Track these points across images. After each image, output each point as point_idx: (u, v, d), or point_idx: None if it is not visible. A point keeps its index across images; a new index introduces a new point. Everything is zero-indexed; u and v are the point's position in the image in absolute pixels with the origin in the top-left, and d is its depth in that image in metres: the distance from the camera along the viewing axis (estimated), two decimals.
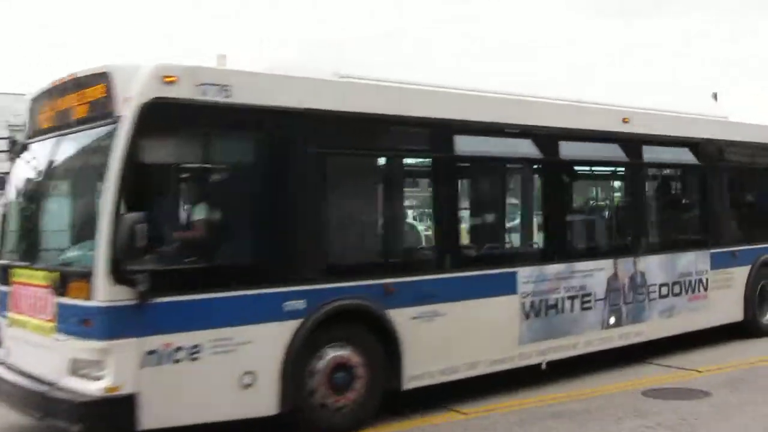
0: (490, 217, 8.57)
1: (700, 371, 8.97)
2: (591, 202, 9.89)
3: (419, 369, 7.12)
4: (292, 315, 6.34)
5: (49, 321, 6.04)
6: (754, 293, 10.77)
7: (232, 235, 6.21)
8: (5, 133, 24.46)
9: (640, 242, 9.37)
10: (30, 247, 6.76)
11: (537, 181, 8.77)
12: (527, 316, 8.02)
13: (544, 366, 8.21)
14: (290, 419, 6.37)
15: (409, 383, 7.07)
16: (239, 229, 6.26)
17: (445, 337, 7.30)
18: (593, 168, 9.69)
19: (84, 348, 5.69)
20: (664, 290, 9.51)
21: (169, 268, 5.80)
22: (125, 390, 5.60)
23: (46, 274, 6.13)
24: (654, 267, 9.37)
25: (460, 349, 7.45)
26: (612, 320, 8.88)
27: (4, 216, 7.20)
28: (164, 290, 5.70)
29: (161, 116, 5.74)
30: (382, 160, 7.54)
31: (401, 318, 6.96)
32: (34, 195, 6.81)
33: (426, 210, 7.66)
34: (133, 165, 5.60)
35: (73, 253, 6.23)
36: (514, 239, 8.76)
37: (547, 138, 8.35)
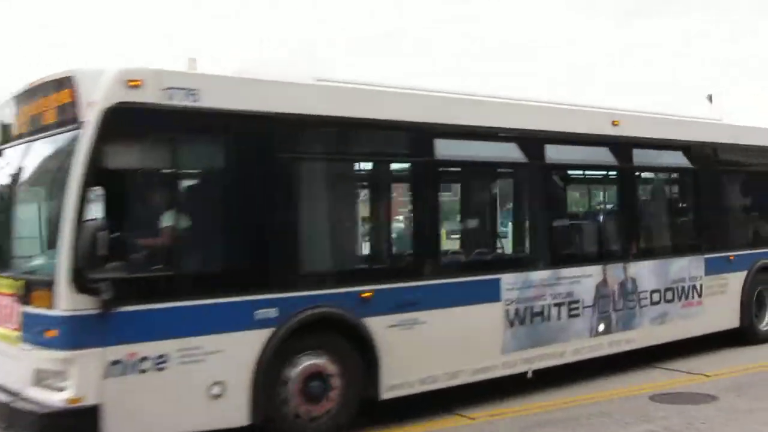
0: (472, 223, 8.43)
1: (707, 375, 8.89)
2: (579, 206, 9.70)
3: (398, 378, 6.97)
4: (263, 324, 6.21)
5: (15, 330, 5.94)
6: (750, 299, 10.56)
7: (199, 242, 6.10)
8: None
9: (631, 248, 9.18)
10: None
11: (522, 185, 8.62)
12: (511, 324, 7.85)
13: (530, 375, 8.05)
14: (263, 430, 6.24)
15: (387, 393, 6.93)
16: (207, 236, 6.15)
17: (425, 345, 7.15)
18: (581, 172, 9.52)
19: (47, 358, 5.58)
20: (656, 297, 9.32)
21: (134, 277, 5.69)
22: (88, 401, 5.49)
23: (12, 282, 6.04)
24: (645, 273, 9.19)
25: (440, 357, 7.30)
26: (601, 328, 8.70)
27: None
28: (129, 299, 5.60)
29: (126, 121, 5.63)
30: (357, 165, 7.42)
31: (378, 326, 6.82)
32: (3, 202, 6.71)
33: (404, 216, 7.47)
34: (96, 171, 5.50)
35: (38, 262, 6.15)
36: (498, 245, 8.59)
37: (532, 141, 8.19)
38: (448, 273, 7.46)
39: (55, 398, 5.50)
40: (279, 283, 6.31)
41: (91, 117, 5.55)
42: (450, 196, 8.33)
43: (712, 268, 9.98)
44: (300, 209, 6.52)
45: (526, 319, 7.98)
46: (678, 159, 9.90)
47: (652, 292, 9.27)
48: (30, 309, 5.77)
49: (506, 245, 8.64)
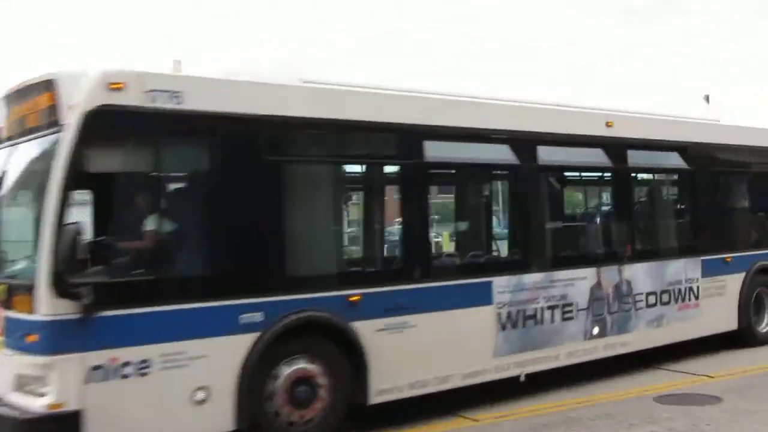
0: (463, 226, 8.35)
1: (711, 377, 8.85)
2: (573, 208, 9.63)
3: (387, 383, 6.90)
4: (248, 328, 6.15)
5: None
6: (749, 301, 10.46)
7: (183, 246, 6.04)
8: None
9: (626, 250, 9.09)
10: None
11: (514, 187, 8.54)
12: (503, 327, 7.77)
13: (522, 378, 7.97)
14: None
15: (376, 397, 6.85)
16: (190, 240, 6.08)
17: (414, 349, 7.08)
18: (574, 173, 9.43)
19: (28, 363, 5.54)
20: (652, 299, 9.23)
21: (115, 281, 5.64)
22: (69, 407, 5.43)
23: None
24: (641, 275, 9.10)
25: (431, 362, 7.22)
26: (596, 330, 8.62)
27: None
28: (110, 303, 5.54)
29: (107, 124, 5.58)
30: (345, 168, 7.34)
31: (367, 330, 6.75)
32: None
33: (393, 219, 7.39)
34: (77, 174, 5.45)
35: (20, 266, 6.09)
36: (490, 248, 8.49)
37: (524, 143, 8.10)
38: (438, 276, 7.37)
39: (37, 404, 5.45)
40: (264, 287, 6.24)
41: (72, 120, 5.49)
42: (441, 199, 8.25)
43: (709, 270, 9.88)
44: (285, 212, 6.44)
45: (519, 323, 7.90)
46: (674, 160, 9.80)
47: (648, 294, 9.18)
48: (11, 314, 5.74)
49: (498, 248, 8.55)
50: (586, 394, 8.15)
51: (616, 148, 9.01)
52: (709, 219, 10.13)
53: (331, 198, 6.95)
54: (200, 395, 5.93)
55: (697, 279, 9.75)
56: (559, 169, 8.82)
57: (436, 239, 7.92)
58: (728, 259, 10.18)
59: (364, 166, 7.49)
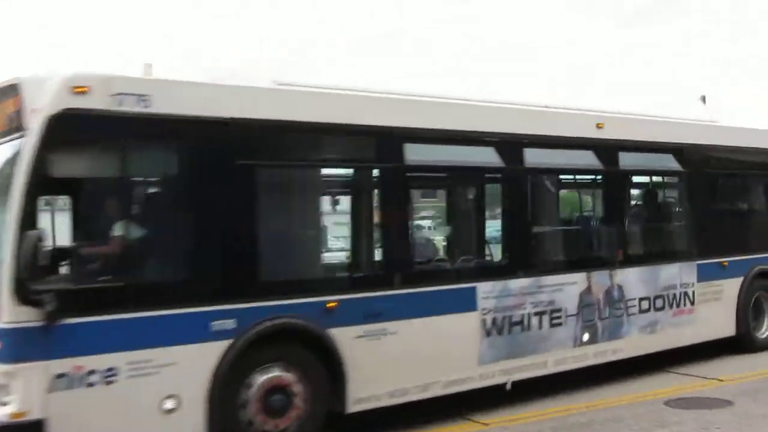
0: (446, 230, 8.20)
1: (721, 380, 8.76)
2: (561, 212, 9.42)
3: (366, 391, 6.77)
4: (220, 335, 6.03)
5: None
6: (747, 306, 10.24)
7: (150, 251, 5.94)
8: None
9: (617, 254, 8.90)
10: None
11: (500, 190, 8.36)
12: (488, 334, 7.62)
13: (508, 386, 7.81)
14: None
15: (354, 406, 6.72)
16: (158, 246, 5.99)
17: (394, 357, 6.94)
18: (563, 176, 9.22)
19: None
20: (645, 304, 9.04)
21: (80, 287, 5.54)
22: (33, 415, 5.33)
23: None
24: (633, 280, 8.91)
25: (412, 369, 7.08)
26: (586, 337, 8.44)
27: None
28: (75, 310, 5.45)
29: (71, 128, 5.49)
30: (320, 171, 7.19)
31: (344, 337, 6.62)
32: None
33: (372, 223, 7.23)
34: (40, 179, 5.36)
35: None
36: (474, 252, 8.32)
37: (509, 145, 7.95)
38: (419, 282, 7.23)
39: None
40: (237, 293, 6.13)
41: (35, 124, 5.41)
42: (423, 203, 8.10)
43: (704, 275, 9.67)
44: (258, 217, 6.32)
45: (505, 329, 7.74)
46: (667, 161, 9.61)
47: (641, 299, 8.99)
48: None
49: (483, 252, 8.38)
50: (595, 397, 8.11)
51: (607, 149, 8.83)
52: (704, 222, 9.92)
53: (306, 202, 6.82)
54: (169, 404, 5.83)
55: (693, 284, 9.55)
56: (546, 172, 8.64)
57: (418, 244, 7.74)
58: (725, 264, 9.97)
59: (340, 170, 7.37)
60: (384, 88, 7.29)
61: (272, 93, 6.62)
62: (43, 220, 5.39)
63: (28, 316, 5.29)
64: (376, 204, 7.22)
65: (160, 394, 5.79)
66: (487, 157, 7.86)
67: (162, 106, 5.84)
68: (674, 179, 10.03)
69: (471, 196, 8.66)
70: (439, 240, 8.03)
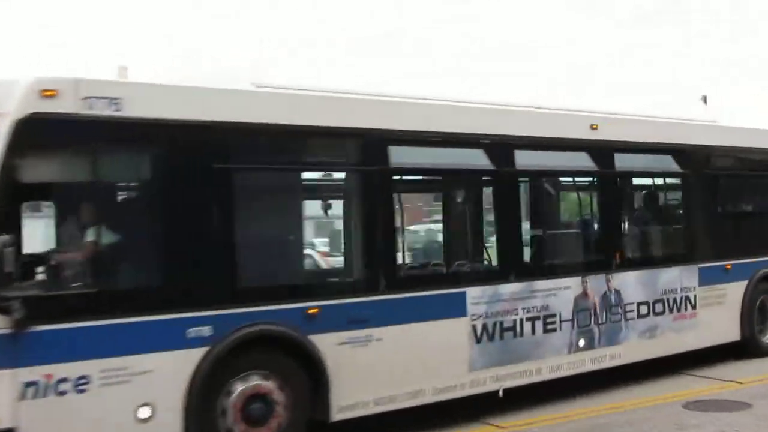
0: (434, 234, 8.04)
1: (740, 383, 8.69)
2: (555, 215, 9.22)
3: (350, 399, 6.63)
4: (196, 342, 5.92)
5: None
6: (751, 310, 9.99)
7: (123, 257, 5.83)
8: None
9: (614, 258, 8.70)
10: None
11: (489, 193, 8.20)
12: (479, 340, 7.44)
13: (501, 393, 7.62)
14: None
15: (338, 414, 6.58)
16: (131, 252, 5.88)
17: (380, 364, 6.79)
18: (555, 178, 9.02)
19: None
20: (644, 309, 8.84)
21: (49, 294, 5.46)
22: (2, 425, 5.23)
23: None
24: (631, 284, 8.71)
25: (398, 376, 6.92)
26: (582, 343, 8.24)
27: None
28: (45, 317, 5.34)
29: (40, 132, 5.41)
30: (300, 175, 7.04)
31: (327, 344, 6.48)
32: None
33: (355, 226, 7.07)
34: (7, 185, 5.28)
35: None
36: (463, 256, 8.12)
37: (499, 147, 7.79)
38: (406, 287, 7.07)
39: None
40: (213, 299, 6.01)
41: (2, 129, 5.33)
42: (409, 206, 7.94)
43: (706, 278, 9.45)
44: (234, 221, 6.19)
45: (496, 335, 7.57)
46: (667, 163, 9.41)
47: (639, 304, 8.79)
48: None
49: (473, 256, 8.20)
50: (612, 400, 8.07)
51: (602, 151, 8.65)
52: (706, 225, 9.71)
53: (286, 206, 6.69)
54: (145, 412, 5.71)
55: (694, 288, 9.32)
56: (537, 174, 8.48)
57: (403, 248, 7.57)
58: (728, 267, 9.73)
59: (321, 174, 7.24)
60: (368, 90, 7.16)
61: (249, 95, 6.50)
62: (10, 226, 5.27)
63: None
64: (360, 207, 7.04)
65: (135, 403, 5.67)
66: (474, 159, 7.70)
67: (134, 109, 5.74)
68: (674, 181, 9.82)
69: (460, 199, 8.49)
70: (427, 244, 7.85)
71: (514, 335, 7.70)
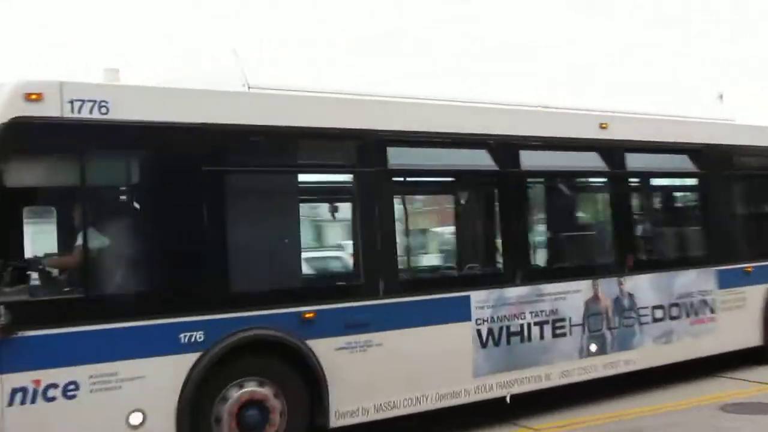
0: (437, 236, 7.87)
1: None
2: (564, 216, 8.98)
3: (350, 405, 6.49)
4: (188, 348, 5.83)
5: None
6: None
7: (111, 262, 5.76)
8: None
9: (627, 260, 8.44)
10: None
11: (495, 194, 7.99)
12: (484, 345, 7.26)
13: (508, 399, 7.42)
14: None
15: (338, 420, 6.44)
16: (120, 256, 5.80)
17: (381, 369, 6.64)
18: (564, 179, 8.79)
19: None
20: (659, 313, 8.57)
21: (37, 299, 5.40)
22: None
23: None
24: (645, 287, 8.45)
25: (399, 382, 6.76)
26: (593, 348, 8.01)
27: None
28: (33, 323, 5.30)
29: (25, 136, 5.38)
30: (295, 177, 6.88)
31: (324, 349, 6.36)
32: None
33: (353, 230, 6.93)
34: None
35: None
36: (467, 259, 7.96)
37: (504, 147, 7.61)
38: (407, 291, 6.92)
39: None
40: (206, 304, 5.91)
41: None
42: (411, 208, 7.77)
43: (726, 281, 9.14)
44: (227, 225, 6.09)
45: (502, 340, 7.37)
46: (681, 163, 9.14)
47: (654, 308, 8.52)
48: None
49: (477, 259, 8.02)
50: (648, 402, 7.96)
51: (612, 151, 8.42)
52: (725, 226, 9.40)
53: (280, 209, 6.55)
54: (136, 419, 5.64)
55: (712, 291, 9.02)
56: (544, 175, 8.28)
57: (405, 251, 7.41)
58: (749, 269, 9.41)
59: (318, 176, 7.12)
60: (362, 90, 7.03)
61: (237, 97, 6.42)
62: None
63: None
64: (359, 209, 6.90)
65: (126, 409, 5.60)
66: (479, 159, 7.53)
67: (122, 112, 5.69)
68: (691, 181, 9.54)
69: (464, 201, 8.32)
70: (429, 246, 7.69)
71: (521, 340, 7.51)
